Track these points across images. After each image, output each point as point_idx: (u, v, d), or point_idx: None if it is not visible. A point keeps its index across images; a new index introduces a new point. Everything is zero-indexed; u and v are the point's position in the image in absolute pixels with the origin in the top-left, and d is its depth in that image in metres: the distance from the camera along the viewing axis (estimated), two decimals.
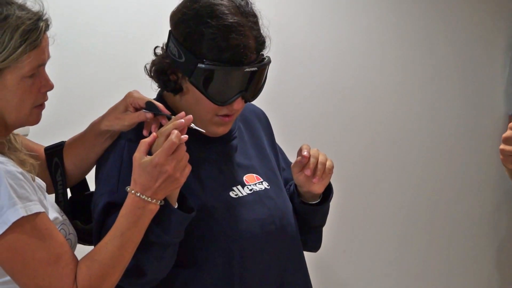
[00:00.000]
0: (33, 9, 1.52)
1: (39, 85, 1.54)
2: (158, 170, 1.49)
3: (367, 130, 3.38)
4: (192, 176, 1.64)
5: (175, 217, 1.54)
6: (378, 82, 3.42)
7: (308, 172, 1.74)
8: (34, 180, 1.55)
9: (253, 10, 1.65)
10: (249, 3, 1.66)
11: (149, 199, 1.50)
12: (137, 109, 1.66)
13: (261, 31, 1.64)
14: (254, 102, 1.75)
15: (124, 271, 1.53)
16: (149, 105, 1.63)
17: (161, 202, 1.52)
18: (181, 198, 1.59)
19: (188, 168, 1.53)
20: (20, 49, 1.47)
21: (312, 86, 3.21)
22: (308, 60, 3.18)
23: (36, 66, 1.51)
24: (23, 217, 1.43)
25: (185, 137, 1.51)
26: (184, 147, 1.51)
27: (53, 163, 1.74)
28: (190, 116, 1.54)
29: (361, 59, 3.33)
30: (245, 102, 1.68)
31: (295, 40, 3.12)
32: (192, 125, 1.56)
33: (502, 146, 1.66)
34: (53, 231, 1.49)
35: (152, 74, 1.69)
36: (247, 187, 1.73)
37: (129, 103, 1.66)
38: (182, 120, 1.52)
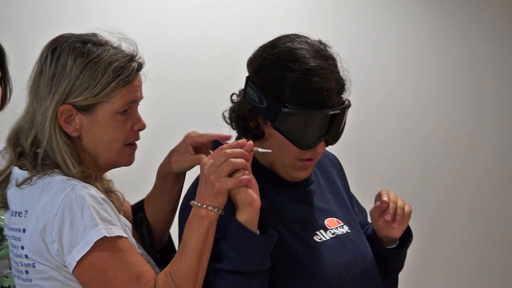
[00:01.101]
0: (127, 51, 1.59)
1: (132, 123, 1.59)
2: (202, 171, 1.52)
3: (446, 174, 3.36)
4: (277, 220, 1.64)
5: (256, 242, 1.52)
6: (459, 128, 3.41)
7: (388, 217, 1.72)
8: (120, 212, 1.57)
9: (332, 53, 1.65)
10: (328, 46, 1.66)
11: (198, 204, 1.51)
12: (197, 149, 1.68)
13: (341, 74, 1.64)
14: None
15: (200, 283, 1.51)
16: (215, 144, 1.61)
17: (216, 210, 1.51)
18: (263, 228, 1.58)
19: (230, 181, 1.50)
20: (112, 85, 1.53)
21: (387, 131, 3.20)
22: (385, 104, 3.18)
23: (127, 102, 1.56)
24: (105, 237, 1.46)
25: (241, 161, 1.51)
26: (229, 158, 1.50)
27: (138, 218, 1.75)
28: (250, 142, 1.54)
29: (442, 103, 3.34)
30: (327, 145, 1.67)
31: (372, 83, 3.14)
32: (259, 149, 1.57)
33: None
34: (134, 252, 1.51)
35: (231, 120, 1.69)
36: (330, 231, 1.71)
37: (189, 144, 1.68)
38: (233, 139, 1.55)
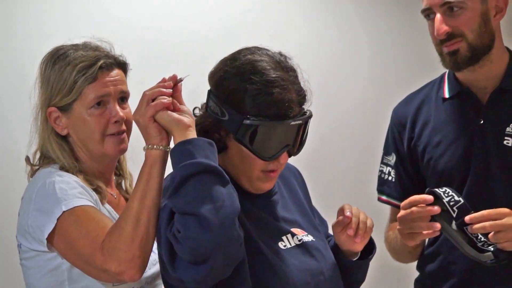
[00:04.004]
0: (97, 52, 1.74)
1: (109, 116, 1.73)
2: None
3: None
4: (247, 224, 1.64)
5: (196, 142, 1.54)
6: None
7: (351, 232, 1.74)
8: (103, 201, 1.73)
9: (292, 64, 1.67)
10: (288, 58, 1.67)
11: (143, 148, 1.62)
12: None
13: (302, 85, 1.65)
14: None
15: (144, 224, 1.54)
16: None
17: (156, 147, 1.58)
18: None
19: (148, 110, 1.57)
20: (79, 83, 1.71)
21: (348, 141, 3.19)
22: (346, 114, 3.18)
23: (96, 97, 1.71)
24: (63, 212, 1.60)
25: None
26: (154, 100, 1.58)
27: None
28: (174, 74, 1.62)
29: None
30: (289, 156, 1.67)
31: (333, 93, 3.15)
32: (181, 77, 1.64)
33: (398, 227, 1.87)
34: (92, 217, 1.61)
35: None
36: (297, 237, 1.72)
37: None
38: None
